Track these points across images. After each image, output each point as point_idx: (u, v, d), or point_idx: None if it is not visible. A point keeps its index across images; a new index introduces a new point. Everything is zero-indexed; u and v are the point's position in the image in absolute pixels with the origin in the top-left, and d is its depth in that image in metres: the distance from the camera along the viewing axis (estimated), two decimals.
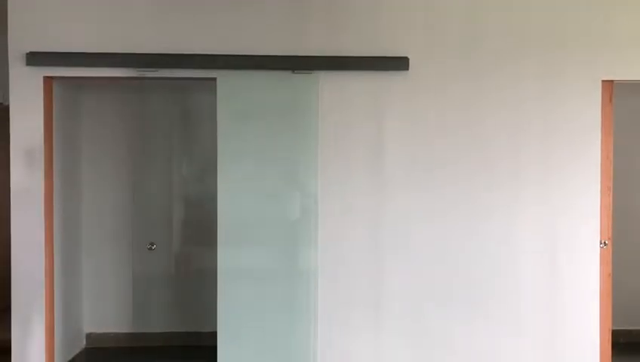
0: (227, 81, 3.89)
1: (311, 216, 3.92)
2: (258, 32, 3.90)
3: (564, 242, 3.98)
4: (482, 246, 3.97)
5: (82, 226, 4.97)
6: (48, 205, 3.92)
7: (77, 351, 4.86)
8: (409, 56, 3.91)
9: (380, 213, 3.95)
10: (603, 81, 3.96)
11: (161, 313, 5.19)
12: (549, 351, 3.98)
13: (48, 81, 3.91)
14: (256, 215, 3.94)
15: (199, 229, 5.21)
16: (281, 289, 3.94)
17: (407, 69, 3.90)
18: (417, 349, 3.95)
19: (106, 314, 5.11)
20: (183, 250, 5.30)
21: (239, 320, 3.92)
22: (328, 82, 3.92)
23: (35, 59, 3.80)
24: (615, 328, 4.10)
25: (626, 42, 3.97)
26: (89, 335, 5.07)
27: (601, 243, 3.97)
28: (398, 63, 3.90)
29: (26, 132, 3.86)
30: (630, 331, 5.13)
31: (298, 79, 3.91)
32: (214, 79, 3.88)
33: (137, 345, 5.06)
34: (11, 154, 3.86)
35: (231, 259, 3.92)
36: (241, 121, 3.95)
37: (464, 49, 3.96)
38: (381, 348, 3.95)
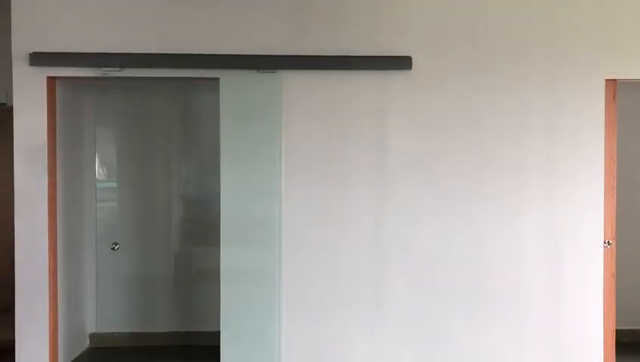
0: (230, 81, 3.90)
1: (275, 216, 3.92)
2: (259, 32, 3.90)
3: (568, 242, 3.97)
4: (485, 244, 3.96)
5: (85, 226, 4.98)
6: (52, 205, 3.93)
7: (80, 350, 4.87)
8: (412, 56, 3.91)
9: (380, 211, 3.95)
10: (606, 79, 3.95)
11: (165, 312, 5.20)
12: (553, 351, 3.97)
13: (51, 81, 3.92)
14: (251, 215, 3.95)
15: (202, 229, 5.22)
16: (281, 289, 3.95)
17: (410, 68, 3.90)
18: (418, 349, 3.95)
19: (110, 314, 5.12)
20: (185, 250, 5.31)
21: (242, 319, 3.92)
22: (330, 81, 3.92)
23: (38, 59, 3.81)
24: (619, 327, 4.09)
25: (630, 41, 3.96)
26: (92, 335, 5.08)
27: (605, 243, 3.96)
28: (401, 62, 3.90)
29: (29, 132, 3.87)
30: (634, 331, 5.12)
31: (299, 78, 3.91)
32: (217, 79, 3.89)
33: (141, 345, 5.07)
34: (15, 154, 3.87)
35: (232, 258, 3.92)
36: (242, 120, 3.95)
37: (467, 48, 3.95)
38: (382, 347, 3.95)
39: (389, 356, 3.95)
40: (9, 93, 4.01)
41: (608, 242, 3.97)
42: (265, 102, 3.95)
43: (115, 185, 5.25)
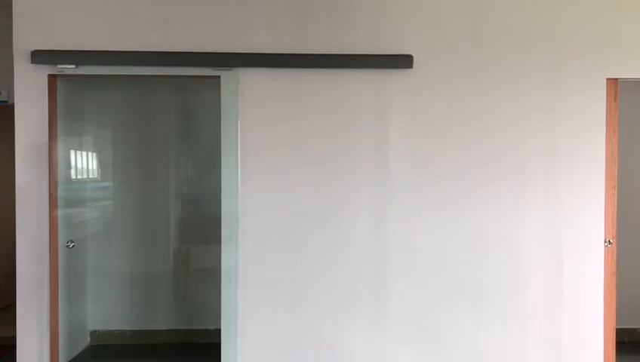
0: (230, 80, 3.90)
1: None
2: (259, 31, 3.90)
3: (569, 241, 3.97)
4: (486, 244, 3.96)
5: (86, 223, 4.98)
6: (53, 202, 3.93)
7: (81, 348, 4.88)
8: (413, 54, 3.91)
9: (381, 210, 3.95)
10: (608, 78, 3.95)
11: (166, 310, 5.21)
12: (553, 350, 3.98)
13: (53, 78, 3.92)
14: (249, 213, 3.95)
15: (203, 227, 5.22)
16: (279, 288, 3.95)
17: (411, 66, 3.90)
18: (419, 348, 3.96)
19: (110, 312, 5.13)
20: (186, 248, 5.32)
21: (242, 318, 3.93)
22: (331, 80, 3.92)
23: (39, 57, 3.81)
24: (619, 326, 4.10)
25: (631, 40, 3.96)
26: (93, 333, 5.10)
27: (605, 242, 3.97)
28: (402, 61, 3.90)
29: (30, 130, 3.87)
30: (634, 330, 5.12)
31: (300, 77, 3.92)
32: (218, 77, 3.89)
33: (141, 343, 5.08)
34: (16, 152, 3.87)
35: (230, 256, 3.93)
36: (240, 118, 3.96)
37: (468, 47, 3.95)
38: (383, 346, 3.96)
39: (390, 355, 3.95)
40: (10, 91, 4.01)
41: (609, 241, 3.97)
42: (264, 101, 3.95)
43: (111, 183, 5.26)
